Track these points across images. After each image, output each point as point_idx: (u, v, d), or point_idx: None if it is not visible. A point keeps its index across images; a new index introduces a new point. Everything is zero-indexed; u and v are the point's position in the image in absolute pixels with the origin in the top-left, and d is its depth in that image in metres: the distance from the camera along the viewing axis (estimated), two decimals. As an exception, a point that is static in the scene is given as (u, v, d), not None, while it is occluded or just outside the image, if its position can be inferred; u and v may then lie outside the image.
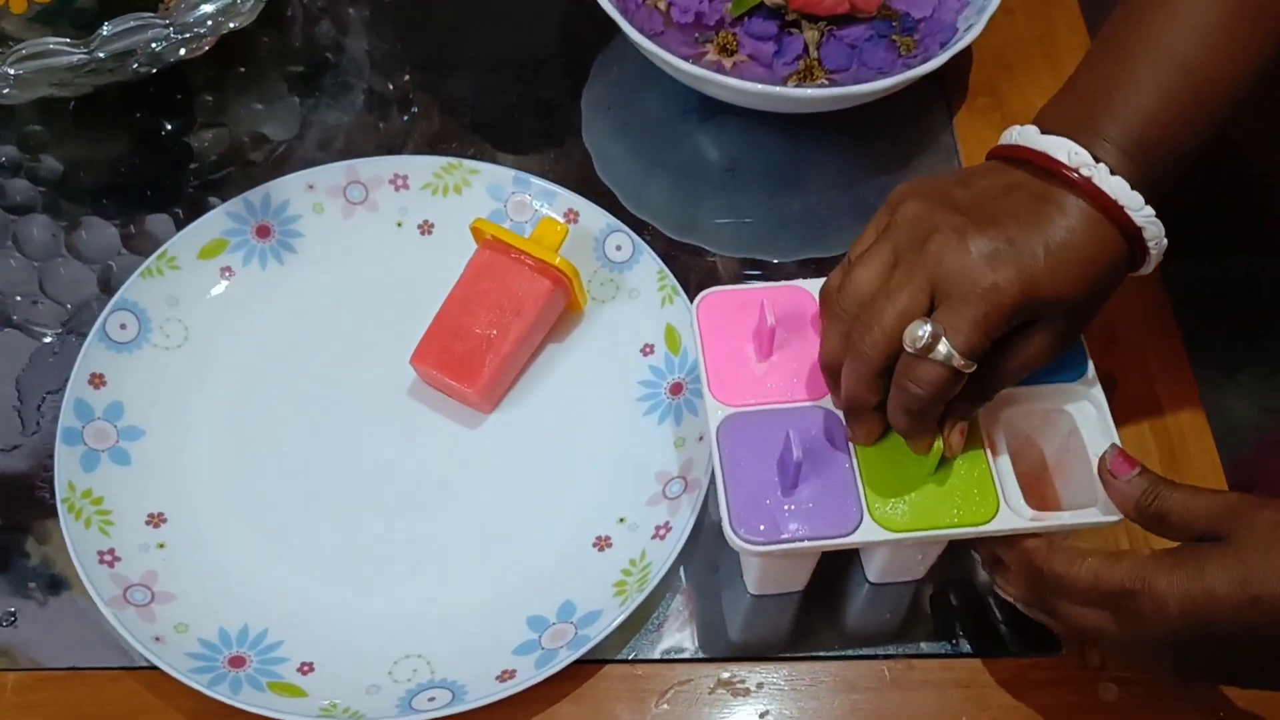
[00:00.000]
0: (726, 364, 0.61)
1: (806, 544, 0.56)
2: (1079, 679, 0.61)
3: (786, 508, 0.56)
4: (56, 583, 0.64)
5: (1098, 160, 0.53)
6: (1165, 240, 0.55)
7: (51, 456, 0.65)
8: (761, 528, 0.56)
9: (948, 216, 0.54)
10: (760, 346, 0.61)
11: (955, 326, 0.52)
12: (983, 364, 0.54)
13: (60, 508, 0.63)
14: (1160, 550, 0.51)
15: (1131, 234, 0.54)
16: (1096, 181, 0.53)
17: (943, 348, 0.52)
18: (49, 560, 0.65)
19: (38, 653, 0.62)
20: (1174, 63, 0.55)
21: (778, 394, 0.60)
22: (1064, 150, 0.54)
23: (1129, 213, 0.53)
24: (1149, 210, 0.54)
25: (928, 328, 0.52)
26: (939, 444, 0.56)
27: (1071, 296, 0.53)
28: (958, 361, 0.52)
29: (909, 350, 0.52)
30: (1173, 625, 0.49)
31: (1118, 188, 0.53)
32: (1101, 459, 0.55)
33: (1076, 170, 0.53)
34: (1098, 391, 0.60)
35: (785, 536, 0.56)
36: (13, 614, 0.63)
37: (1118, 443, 0.57)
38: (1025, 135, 0.56)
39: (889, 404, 0.55)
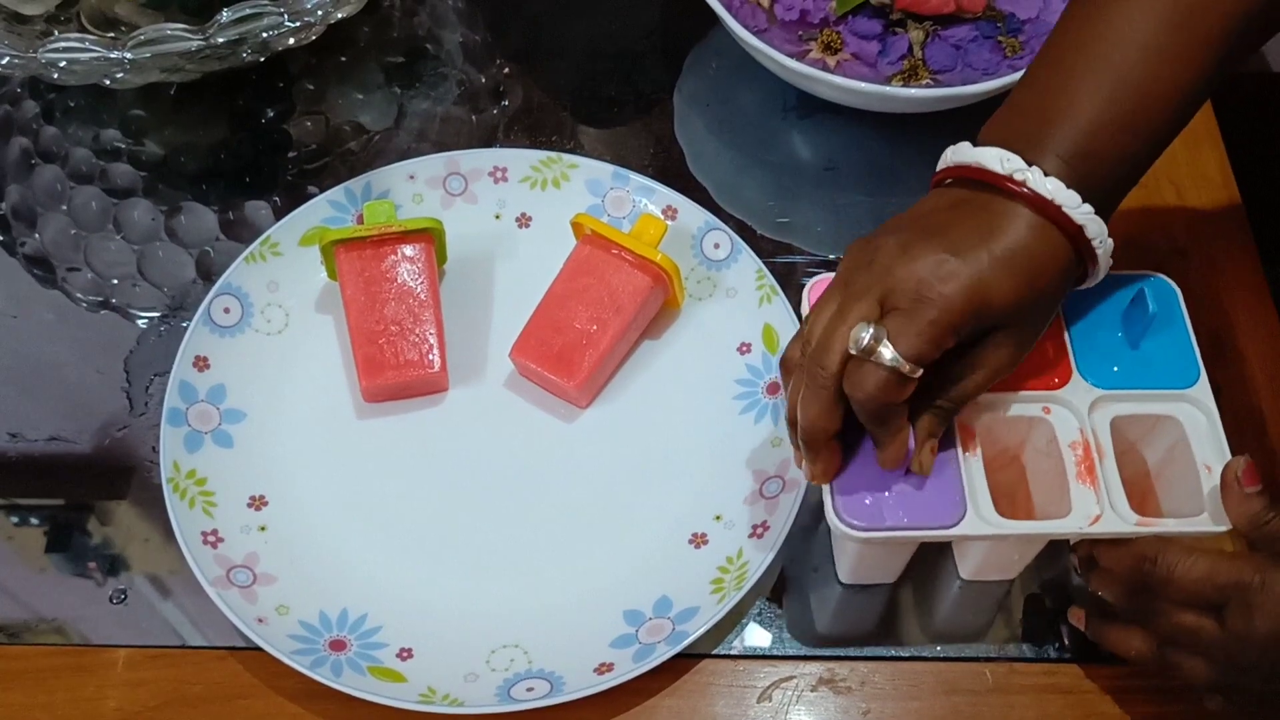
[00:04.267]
0: None
1: (909, 533, 0.56)
2: (1182, 689, 0.60)
3: (892, 496, 0.56)
4: (163, 562, 0.65)
5: (1031, 164, 0.53)
6: (1110, 241, 0.55)
7: (158, 438, 0.66)
8: (865, 514, 0.56)
9: (890, 237, 0.54)
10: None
11: (901, 333, 0.52)
12: (947, 379, 0.54)
13: (165, 488, 0.64)
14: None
15: (1072, 233, 0.53)
16: (1031, 184, 0.53)
17: (885, 351, 0.51)
18: (157, 540, 0.66)
19: (146, 630, 0.63)
20: (1110, 75, 0.54)
21: None
22: (996, 158, 0.54)
23: (1066, 211, 0.53)
24: (1087, 208, 0.53)
25: (870, 330, 0.52)
26: (926, 457, 0.56)
27: (1021, 303, 0.53)
28: (904, 367, 0.52)
29: (852, 352, 0.52)
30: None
31: (1053, 188, 0.53)
32: (1228, 467, 0.55)
33: (1010, 176, 0.53)
34: (1209, 401, 0.59)
35: (889, 524, 0.56)
36: (123, 592, 0.64)
37: (1228, 454, 0.57)
38: (959, 152, 0.56)
39: (858, 415, 0.55)
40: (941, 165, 0.57)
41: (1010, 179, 0.53)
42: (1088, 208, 0.53)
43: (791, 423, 0.57)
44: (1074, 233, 0.53)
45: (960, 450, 0.58)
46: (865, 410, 0.54)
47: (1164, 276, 0.63)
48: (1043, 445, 0.60)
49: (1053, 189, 0.53)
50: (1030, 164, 0.53)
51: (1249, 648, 0.52)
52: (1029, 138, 0.54)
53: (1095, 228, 0.54)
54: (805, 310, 0.62)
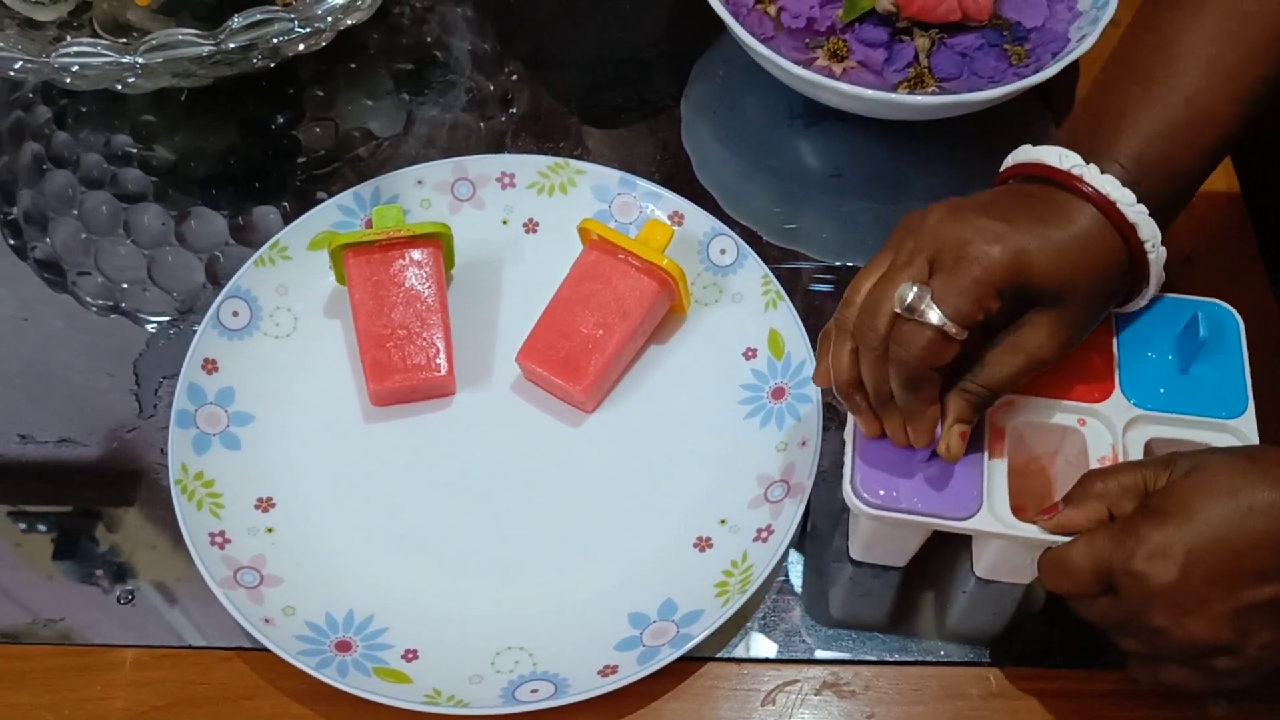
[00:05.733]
0: None
1: (921, 519, 0.56)
2: (1185, 696, 0.60)
3: (910, 480, 0.57)
4: (171, 563, 0.65)
5: (1088, 163, 0.55)
6: (1163, 250, 0.56)
7: (167, 440, 0.66)
8: (882, 493, 0.57)
9: (947, 204, 0.55)
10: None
11: (945, 291, 0.53)
12: (983, 362, 0.55)
13: (173, 489, 0.64)
14: (1130, 512, 0.51)
15: (1126, 233, 0.55)
16: (1087, 178, 0.55)
17: (931, 311, 0.52)
18: (165, 541, 0.66)
19: (153, 630, 0.63)
20: (1167, 89, 0.57)
21: None
22: (1055, 155, 0.56)
23: (1120, 207, 0.54)
24: (1141, 207, 0.55)
25: (915, 289, 0.53)
26: (954, 441, 0.56)
27: (1065, 283, 0.54)
28: (949, 327, 0.52)
29: (897, 311, 0.53)
30: (1188, 574, 0.49)
31: (1108, 184, 0.54)
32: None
33: (1068, 170, 0.55)
34: (1253, 434, 0.59)
35: (902, 506, 0.56)
36: (131, 593, 0.65)
37: None
38: (1019, 153, 0.58)
39: (891, 378, 0.55)
40: (1003, 167, 0.59)
41: (1068, 173, 0.55)
42: (1141, 208, 0.55)
43: (841, 389, 0.58)
44: (1127, 232, 0.55)
45: (987, 448, 0.58)
46: (904, 372, 0.54)
47: (1226, 304, 0.63)
48: (1074, 457, 0.60)
49: (1109, 185, 0.54)
50: (1088, 163, 0.55)
51: (1150, 611, 0.51)
52: (1090, 146, 0.56)
53: (1148, 229, 0.55)
54: None
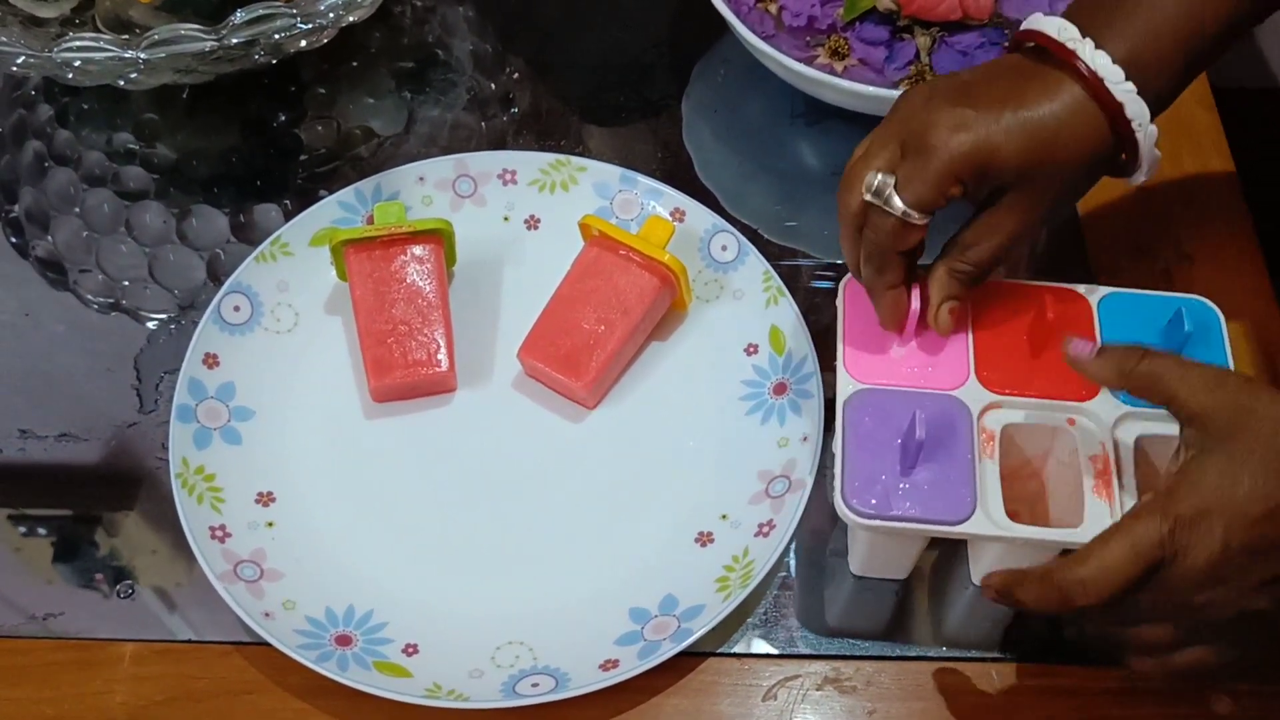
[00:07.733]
0: (863, 343, 0.62)
1: (916, 526, 0.56)
2: (1190, 690, 0.60)
3: (901, 487, 0.57)
4: (171, 557, 0.65)
5: (1086, 37, 0.54)
6: (1154, 128, 0.55)
7: (168, 434, 0.66)
8: (874, 502, 0.56)
9: (923, 90, 0.57)
10: (902, 330, 0.61)
11: (907, 179, 0.55)
12: (965, 243, 0.57)
13: (174, 483, 0.64)
14: (1156, 491, 0.50)
15: (1112, 111, 0.54)
16: (1080, 54, 0.54)
17: (895, 199, 0.55)
18: (166, 535, 0.66)
19: (153, 625, 0.63)
20: None
21: (910, 378, 0.61)
22: (1055, 27, 0.55)
23: (1108, 85, 0.54)
24: (1129, 85, 0.54)
25: (879, 176, 0.55)
26: (943, 316, 0.58)
27: (1033, 164, 0.55)
28: (911, 215, 0.55)
29: (866, 198, 0.56)
30: (1230, 551, 0.47)
31: (1101, 62, 0.54)
32: (1065, 352, 0.54)
33: (1063, 43, 0.55)
34: None
35: (896, 514, 0.56)
36: (131, 586, 0.64)
37: None
38: (1028, 19, 0.58)
39: (860, 256, 0.58)
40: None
41: (1063, 46, 0.55)
42: (1130, 86, 0.54)
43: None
44: (1114, 111, 0.54)
45: (978, 451, 0.58)
46: (870, 253, 0.57)
47: (1206, 300, 0.63)
48: (1065, 457, 0.60)
49: (1101, 63, 0.54)
50: (1085, 37, 0.54)
51: (1192, 587, 0.49)
52: (1097, 23, 0.55)
53: (1135, 107, 0.55)
54: (840, 312, 0.63)
